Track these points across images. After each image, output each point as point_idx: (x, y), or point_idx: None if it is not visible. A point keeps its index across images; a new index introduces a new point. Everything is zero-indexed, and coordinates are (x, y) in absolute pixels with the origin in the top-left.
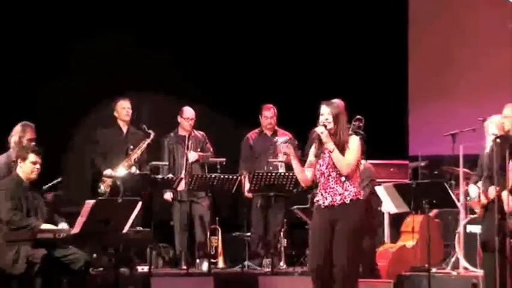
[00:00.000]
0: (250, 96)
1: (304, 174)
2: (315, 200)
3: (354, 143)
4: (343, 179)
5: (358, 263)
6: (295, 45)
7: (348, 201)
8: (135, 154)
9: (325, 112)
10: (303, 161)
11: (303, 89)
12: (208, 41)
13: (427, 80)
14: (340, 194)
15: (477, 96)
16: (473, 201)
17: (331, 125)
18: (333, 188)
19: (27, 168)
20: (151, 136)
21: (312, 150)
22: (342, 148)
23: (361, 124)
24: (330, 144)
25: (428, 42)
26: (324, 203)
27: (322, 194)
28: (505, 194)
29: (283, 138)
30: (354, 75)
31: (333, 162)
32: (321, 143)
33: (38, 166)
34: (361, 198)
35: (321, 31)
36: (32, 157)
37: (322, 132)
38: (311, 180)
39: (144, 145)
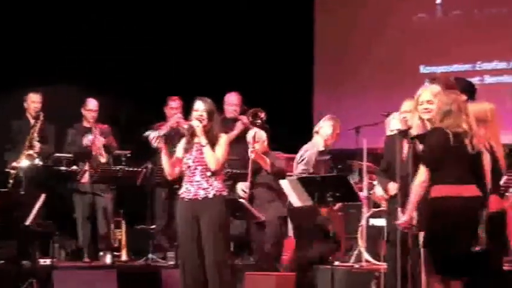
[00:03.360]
0: (159, 88)
1: (172, 167)
2: (179, 192)
3: (223, 140)
4: (208, 173)
5: (227, 254)
6: (203, 39)
7: (211, 196)
8: (34, 137)
9: (201, 108)
10: (172, 152)
11: (209, 83)
12: (109, 31)
13: (333, 74)
14: (204, 189)
15: (383, 91)
16: (377, 196)
17: (205, 122)
18: (198, 181)
19: None
20: (41, 116)
21: (181, 144)
22: (213, 144)
23: (262, 116)
24: (202, 139)
25: (335, 35)
26: (187, 196)
27: (186, 188)
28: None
29: (154, 133)
30: (259, 68)
31: (201, 156)
32: (191, 137)
33: None
34: (225, 194)
35: (229, 27)
36: None
37: (198, 126)
38: (178, 173)
39: (37, 126)
